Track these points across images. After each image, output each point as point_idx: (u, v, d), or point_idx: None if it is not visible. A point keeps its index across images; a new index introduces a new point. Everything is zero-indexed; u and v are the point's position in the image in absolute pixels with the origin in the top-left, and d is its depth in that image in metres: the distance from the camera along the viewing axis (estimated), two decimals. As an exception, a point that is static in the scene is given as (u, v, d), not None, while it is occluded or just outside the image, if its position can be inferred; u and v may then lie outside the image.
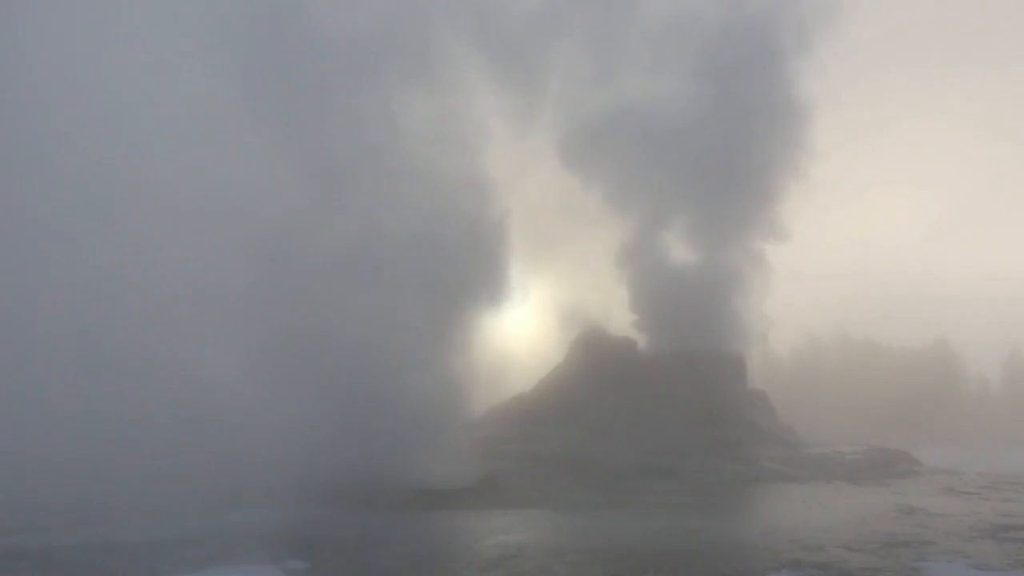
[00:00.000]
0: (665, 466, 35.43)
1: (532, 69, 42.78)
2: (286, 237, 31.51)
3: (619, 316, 45.67)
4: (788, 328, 59.80)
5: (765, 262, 45.95)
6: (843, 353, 73.74)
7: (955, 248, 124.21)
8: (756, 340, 46.92)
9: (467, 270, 35.30)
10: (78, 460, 24.29)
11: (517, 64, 42.01)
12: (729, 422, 40.77)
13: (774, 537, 21.64)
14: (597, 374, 42.15)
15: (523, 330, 47.23)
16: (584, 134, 44.57)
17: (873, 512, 26.34)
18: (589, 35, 46.82)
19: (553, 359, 45.75)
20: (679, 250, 46.48)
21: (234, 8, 33.72)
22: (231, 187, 31.83)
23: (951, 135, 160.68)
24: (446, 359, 33.63)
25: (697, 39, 46.24)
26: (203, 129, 32.14)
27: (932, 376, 68.86)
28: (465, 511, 26.69)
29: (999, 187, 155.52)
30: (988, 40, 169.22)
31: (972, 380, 72.49)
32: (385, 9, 36.83)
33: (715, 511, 27.79)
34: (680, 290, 43.72)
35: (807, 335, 73.84)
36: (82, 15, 33.03)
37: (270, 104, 33.04)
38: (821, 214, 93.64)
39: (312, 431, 28.18)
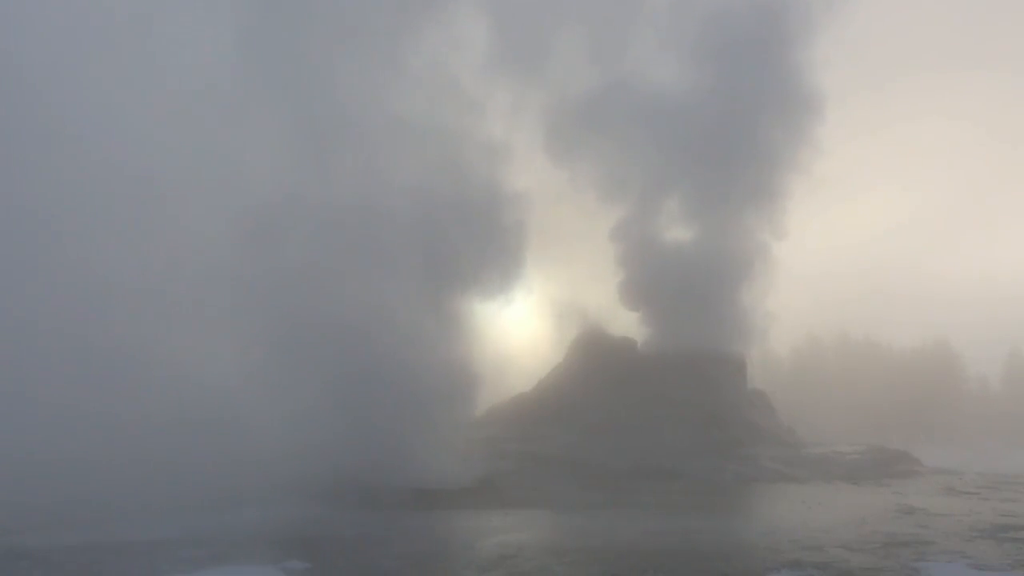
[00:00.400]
0: (665, 466, 35.42)
1: (528, 54, 42.00)
2: (277, 213, 30.73)
3: (616, 310, 45.39)
4: (788, 328, 59.86)
5: (767, 254, 45.24)
6: (843, 353, 73.84)
7: (955, 248, 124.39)
8: (757, 335, 46.46)
9: (474, 248, 34.31)
10: (78, 460, 24.28)
11: (512, 49, 41.22)
12: (729, 422, 40.77)
13: (774, 537, 21.63)
14: (597, 374, 42.14)
15: (523, 330, 47.22)
16: (580, 116, 43.67)
17: (873, 512, 26.33)
18: (589, 15, 46.11)
19: (553, 359, 45.74)
20: (675, 233, 45.99)
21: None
22: (222, 158, 31.38)
23: (952, 135, 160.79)
24: (450, 345, 32.93)
25: (700, 20, 45.49)
26: (193, 99, 31.56)
27: (932, 376, 68.97)
28: (465, 511, 26.68)
29: (1000, 187, 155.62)
30: (993, 42, 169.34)
31: (972, 380, 72.64)
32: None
33: (715, 511, 27.77)
34: (676, 273, 43.15)
35: (807, 335, 73.99)
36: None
37: (262, 65, 32.40)
38: (821, 212, 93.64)
39: (312, 426, 28.12)
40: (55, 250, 29.06)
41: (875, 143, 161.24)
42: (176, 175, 30.78)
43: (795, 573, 17.51)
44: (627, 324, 45.52)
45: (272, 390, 28.82)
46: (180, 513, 24.71)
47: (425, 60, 36.38)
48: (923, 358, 71.74)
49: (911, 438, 54.63)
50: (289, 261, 30.55)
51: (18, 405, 25.58)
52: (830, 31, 56.31)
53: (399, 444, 29.67)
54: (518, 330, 46.58)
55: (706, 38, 44.74)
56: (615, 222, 45.19)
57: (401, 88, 35.08)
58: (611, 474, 34.01)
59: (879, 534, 22.12)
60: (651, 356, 43.64)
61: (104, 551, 19.59)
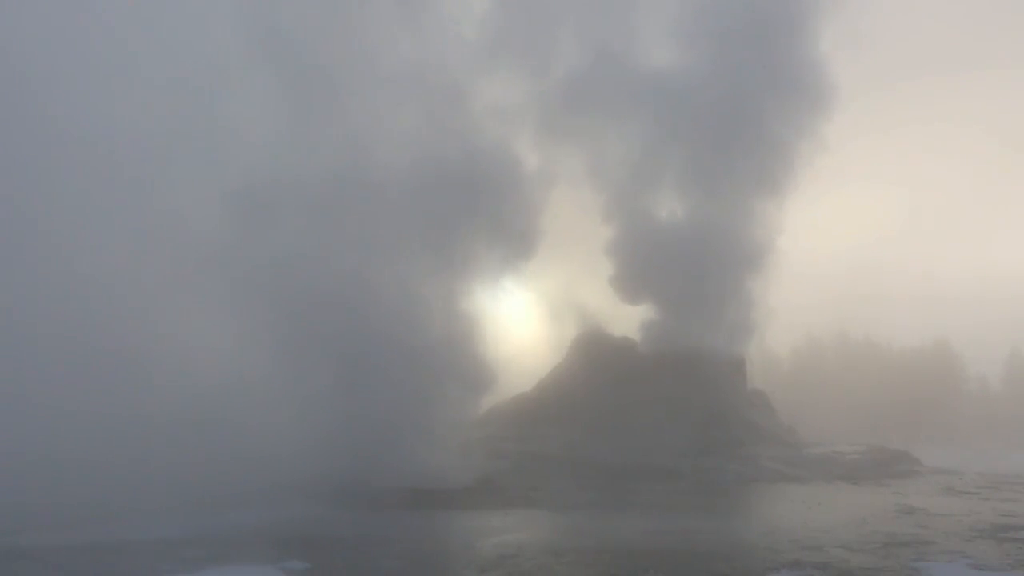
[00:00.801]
0: (665, 466, 35.40)
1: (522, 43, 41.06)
2: (271, 191, 30.19)
3: (615, 308, 44.97)
4: (787, 328, 59.72)
5: (769, 245, 44.25)
6: (843, 353, 73.76)
7: (955, 248, 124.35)
8: (756, 329, 45.80)
9: (482, 217, 33.45)
10: (78, 460, 24.28)
11: (506, 36, 40.23)
12: (729, 422, 40.73)
13: (774, 537, 21.64)
14: (597, 374, 42.12)
15: (523, 330, 47.12)
16: (574, 102, 42.36)
17: (873, 512, 26.33)
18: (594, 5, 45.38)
19: (553, 359, 45.72)
20: (670, 220, 44.94)
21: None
22: (214, 129, 31.08)
23: (952, 135, 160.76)
24: (455, 328, 32.31)
25: (705, 6, 44.47)
26: (184, 66, 31.23)
27: (932, 376, 68.85)
28: (465, 511, 26.67)
29: (1000, 188, 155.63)
30: (994, 43, 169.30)
31: (972, 380, 72.49)
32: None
33: (715, 511, 27.78)
34: (673, 261, 42.40)
35: (806, 335, 73.93)
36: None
37: (256, 25, 32.12)
38: (821, 211, 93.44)
39: (312, 424, 28.04)
40: (51, 248, 29.02)
41: (876, 142, 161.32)
42: (166, 150, 30.40)
43: (795, 573, 17.51)
44: (627, 324, 45.42)
45: (274, 385, 28.79)
46: (180, 513, 24.70)
47: (430, 18, 35.92)
48: (923, 358, 71.62)
49: (911, 438, 54.54)
50: (285, 245, 30.03)
51: (18, 405, 25.59)
52: (835, 29, 55.53)
53: (399, 439, 29.51)
54: (518, 330, 46.49)
55: (709, 23, 43.83)
56: (608, 203, 44.29)
57: (404, 45, 34.41)
58: (611, 474, 33.99)
59: (879, 534, 22.12)
60: (651, 356, 43.53)
61: (104, 551, 19.59)
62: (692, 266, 42.54)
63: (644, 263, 43.21)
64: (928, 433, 60.79)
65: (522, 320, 46.92)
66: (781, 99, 44.34)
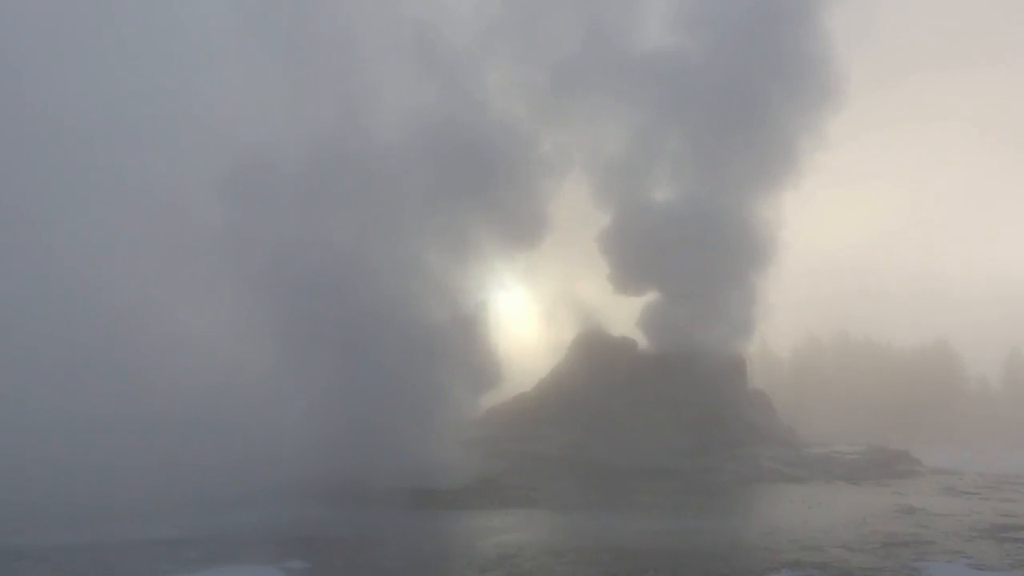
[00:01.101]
0: (665, 466, 35.41)
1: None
2: (267, 172, 30.00)
3: (613, 306, 44.84)
4: (788, 328, 59.67)
5: (771, 239, 43.53)
6: (843, 353, 73.74)
7: (955, 248, 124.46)
8: (755, 323, 45.50)
9: (484, 201, 33.14)
10: (78, 460, 24.29)
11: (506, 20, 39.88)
12: (729, 422, 40.72)
13: (774, 537, 21.64)
14: (597, 374, 42.10)
15: (522, 330, 47.11)
16: (569, 89, 41.67)
17: (873, 512, 26.32)
18: None
19: (553, 359, 45.69)
20: (668, 212, 43.89)
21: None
22: (206, 103, 30.83)
23: (952, 135, 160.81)
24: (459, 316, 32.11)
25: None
26: (177, 36, 31.14)
27: (932, 376, 68.84)
28: (465, 511, 26.69)
29: (1000, 187, 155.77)
30: (994, 43, 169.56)
31: (972, 380, 72.43)
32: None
33: (715, 511, 27.77)
34: (670, 249, 41.81)
35: (807, 335, 73.91)
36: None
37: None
38: (821, 210, 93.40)
39: (314, 423, 27.99)
40: (46, 245, 28.95)
41: (876, 141, 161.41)
42: (159, 135, 30.22)
43: (795, 573, 17.52)
44: (627, 324, 45.31)
45: (274, 384, 28.77)
46: (180, 513, 24.71)
47: None
48: (923, 358, 71.60)
49: (911, 438, 54.54)
50: (283, 230, 29.77)
51: (18, 405, 25.59)
52: (836, 26, 55.14)
53: (399, 438, 29.42)
54: (518, 329, 46.46)
55: (714, 11, 43.43)
56: (606, 189, 43.59)
57: (402, 24, 34.21)
58: (611, 474, 34.01)
59: (879, 534, 22.13)
60: (651, 356, 43.51)
61: (104, 551, 19.61)
62: (691, 256, 41.93)
63: (643, 249, 42.65)
64: (928, 433, 60.73)
65: (522, 320, 46.94)
66: (785, 93, 43.91)
